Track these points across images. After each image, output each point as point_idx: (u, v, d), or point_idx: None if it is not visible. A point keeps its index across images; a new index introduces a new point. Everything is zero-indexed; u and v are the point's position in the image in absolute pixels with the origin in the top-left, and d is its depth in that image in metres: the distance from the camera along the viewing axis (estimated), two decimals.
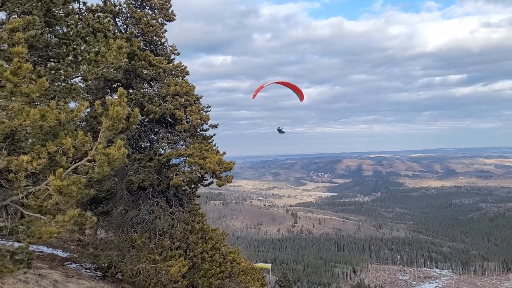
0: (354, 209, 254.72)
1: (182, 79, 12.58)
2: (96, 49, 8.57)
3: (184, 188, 12.72)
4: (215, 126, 12.72)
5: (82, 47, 8.58)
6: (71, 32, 8.50)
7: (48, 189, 5.94)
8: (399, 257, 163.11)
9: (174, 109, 11.57)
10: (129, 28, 12.82)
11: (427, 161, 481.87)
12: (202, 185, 12.71)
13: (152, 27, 12.35)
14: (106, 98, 6.46)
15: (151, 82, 12.39)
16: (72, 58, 8.06)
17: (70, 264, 12.39)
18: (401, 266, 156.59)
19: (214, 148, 11.97)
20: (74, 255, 13.85)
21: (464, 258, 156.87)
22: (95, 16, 10.88)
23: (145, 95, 11.75)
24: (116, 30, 12.33)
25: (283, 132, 19.99)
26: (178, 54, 13.03)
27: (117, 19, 12.89)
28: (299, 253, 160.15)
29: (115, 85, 12.81)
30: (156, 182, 11.71)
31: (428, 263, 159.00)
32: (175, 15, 13.19)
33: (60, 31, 8.54)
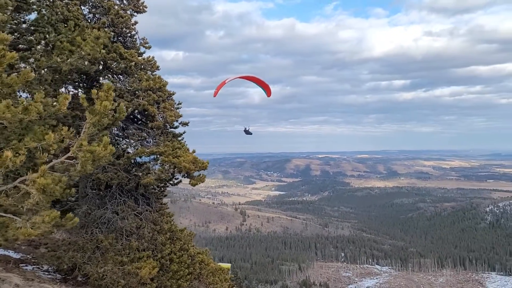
0: (302, 208, 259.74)
1: (151, 74, 12.15)
2: (68, 38, 8.01)
3: (152, 187, 12.28)
4: (186, 124, 12.35)
5: (52, 35, 7.99)
6: (41, 19, 7.88)
7: (24, 188, 5.44)
8: (343, 254, 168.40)
9: (147, 105, 11.12)
10: (96, 18, 12.19)
11: (372, 162, 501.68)
12: (170, 184, 12.35)
13: (122, 18, 11.79)
14: (92, 92, 6.04)
15: (120, 76, 11.85)
16: (44, 47, 7.48)
17: (26, 266, 11.58)
18: (345, 263, 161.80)
19: (186, 146, 11.66)
20: (28, 256, 12.96)
21: (403, 255, 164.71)
22: (64, 2, 10.19)
23: (115, 89, 11.17)
24: (83, 19, 11.63)
25: (251, 133, 18.73)
26: (149, 47, 12.53)
27: (83, 7, 12.18)
28: (247, 251, 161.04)
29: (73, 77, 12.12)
30: (125, 180, 11.20)
31: (370, 260, 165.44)
32: (146, 7, 12.67)
33: (30, 17, 7.90)
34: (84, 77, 11.94)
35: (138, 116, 12.23)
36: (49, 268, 11.46)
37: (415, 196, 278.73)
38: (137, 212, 11.60)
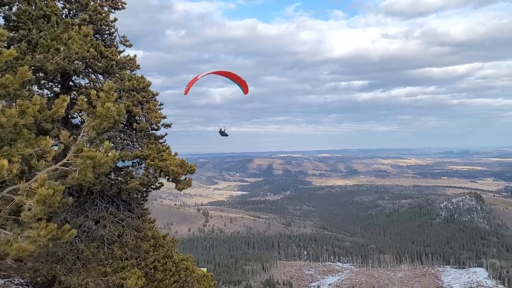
0: (265, 208, 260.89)
1: (132, 73, 11.58)
2: (52, 35, 7.40)
3: (135, 192, 11.69)
4: (168, 126, 11.86)
5: (34, 32, 7.35)
6: (23, 14, 7.23)
7: (18, 199, 4.90)
8: (305, 252, 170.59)
9: (131, 106, 10.56)
10: (71, 14, 11.48)
11: (333, 161, 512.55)
12: (152, 188, 11.83)
13: (101, 14, 11.17)
14: (91, 92, 5.57)
15: (100, 76, 11.19)
16: (25, 45, 6.83)
17: None
18: (307, 261, 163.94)
19: (170, 149, 11.18)
20: None
21: (363, 251, 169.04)
22: None
23: (96, 89, 10.55)
24: (60, 15, 10.90)
25: (227, 135, 17.35)
26: (130, 46, 11.92)
27: (57, 3, 11.42)
28: (210, 253, 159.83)
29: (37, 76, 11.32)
30: (107, 186, 10.59)
31: (331, 257, 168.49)
32: (125, 3, 12.06)
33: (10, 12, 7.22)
34: (51, 76, 11.18)
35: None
36: (23, 281, 10.68)
37: (374, 194, 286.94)
38: (119, 219, 11.01)
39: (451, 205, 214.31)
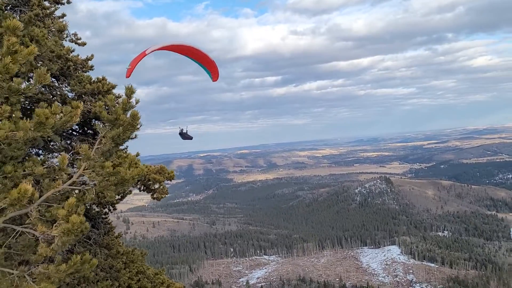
0: (188, 209, 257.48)
1: (87, 75, 10.35)
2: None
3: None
4: None
5: None
6: None
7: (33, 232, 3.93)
8: (232, 249, 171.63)
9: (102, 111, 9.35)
10: (8, 9, 9.94)
11: (252, 157, 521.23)
12: (118, 199, 10.72)
13: (46, 9, 9.78)
14: (107, 98, 4.71)
15: (54, 79, 9.79)
16: None
17: None
18: (234, 258, 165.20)
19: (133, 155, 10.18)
20: None
21: (288, 242, 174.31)
22: None
23: (54, 93, 9.23)
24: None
25: (191, 138, 13.12)
26: (84, 44, 10.63)
27: None
28: None
29: None
30: None
31: (258, 251, 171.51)
32: None
33: None
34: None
35: (76, 126, 10.34)
36: None
37: (294, 185, 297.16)
38: (85, 237, 9.83)
39: (364, 190, 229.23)
